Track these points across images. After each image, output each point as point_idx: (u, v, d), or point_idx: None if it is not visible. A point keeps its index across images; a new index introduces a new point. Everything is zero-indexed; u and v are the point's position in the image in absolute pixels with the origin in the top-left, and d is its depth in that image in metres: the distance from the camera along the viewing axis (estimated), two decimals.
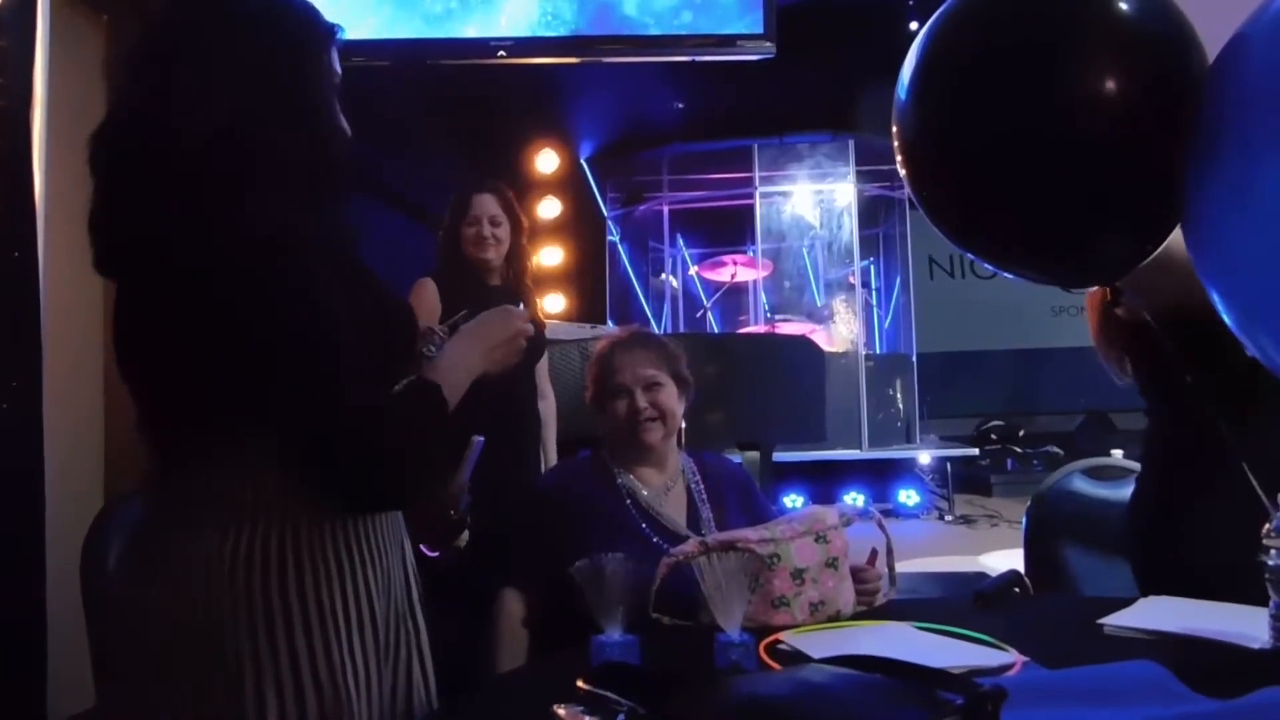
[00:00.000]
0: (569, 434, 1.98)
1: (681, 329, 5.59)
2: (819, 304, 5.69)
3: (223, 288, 0.63)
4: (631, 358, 1.28)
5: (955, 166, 0.81)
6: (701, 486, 1.28)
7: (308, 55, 0.69)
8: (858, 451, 4.72)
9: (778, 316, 5.13)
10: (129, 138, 0.66)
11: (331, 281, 0.66)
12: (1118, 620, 0.91)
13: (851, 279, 5.41)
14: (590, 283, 5.29)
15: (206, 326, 0.64)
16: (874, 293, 5.83)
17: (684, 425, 1.31)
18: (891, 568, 1.13)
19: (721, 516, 1.25)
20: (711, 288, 5.50)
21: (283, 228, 0.64)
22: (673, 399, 1.29)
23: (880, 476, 4.74)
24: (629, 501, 1.23)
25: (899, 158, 0.88)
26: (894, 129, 0.86)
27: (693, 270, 5.91)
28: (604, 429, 1.29)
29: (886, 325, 5.82)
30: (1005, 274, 0.88)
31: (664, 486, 1.27)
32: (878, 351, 5.64)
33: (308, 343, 0.64)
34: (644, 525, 1.21)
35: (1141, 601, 0.97)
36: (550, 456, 1.94)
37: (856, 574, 1.10)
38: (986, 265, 0.88)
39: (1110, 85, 0.71)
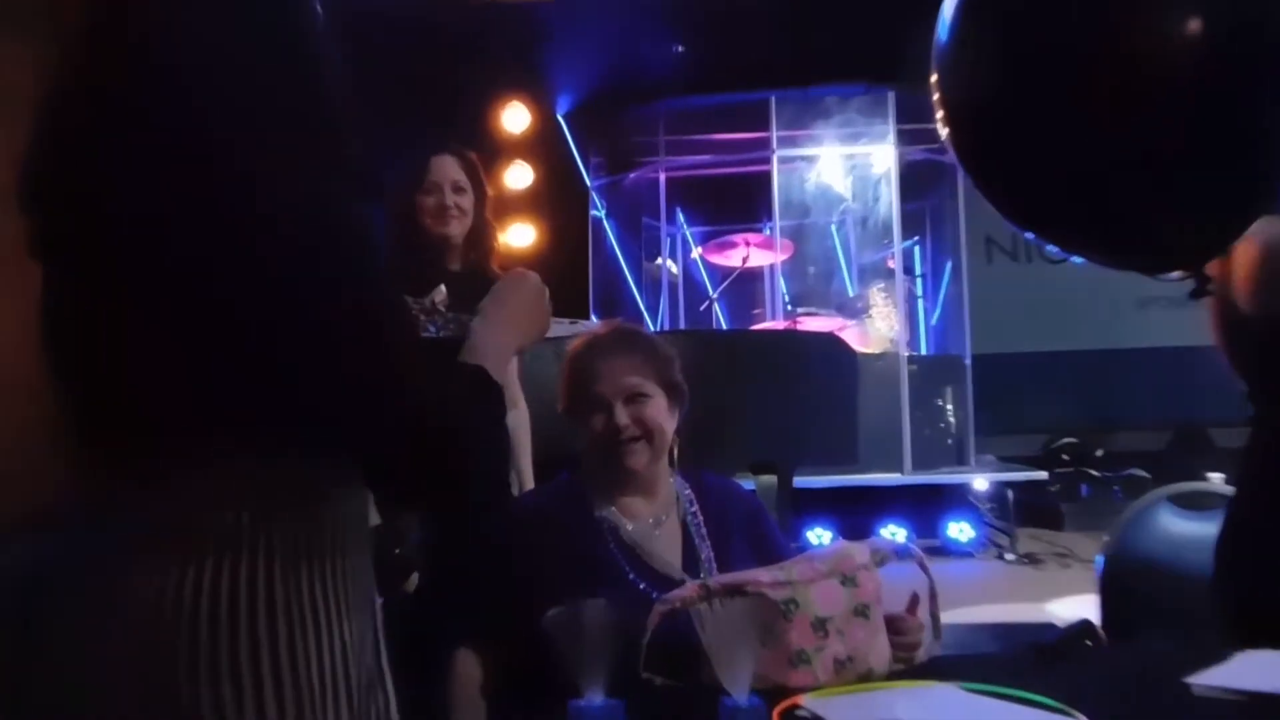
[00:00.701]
0: (547, 452, 2.01)
1: (682, 325, 5.61)
2: (851, 294, 5.72)
3: (240, 274, 0.61)
4: (612, 362, 1.28)
5: (1006, 125, 0.81)
6: (700, 519, 1.28)
7: None
8: (898, 476, 4.74)
9: (800, 310, 5.14)
10: (91, 88, 0.60)
11: (379, 266, 0.67)
12: (1209, 679, 0.92)
13: (891, 263, 5.42)
14: (569, 268, 5.28)
15: (210, 320, 0.61)
16: (919, 280, 5.87)
17: (677, 443, 1.32)
18: (936, 616, 1.14)
19: (725, 554, 1.26)
20: (719, 274, 5.52)
21: (309, 193, 0.63)
22: (662, 413, 1.29)
23: (925, 506, 4.77)
24: (610, 540, 1.24)
25: (939, 114, 0.89)
26: (933, 79, 0.87)
27: (696, 253, 5.95)
28: (579, 447, 1.31)
29: (934, 321, 5.87)
30: (1076, 258, 0.90)
31: (653, 519, 1.28)
32: (923, 353, 5.68)
33: (361, 338, 0.65)
34: (628, 569, 1.22)
35: (1238, 656, 0.98)
36: (525, 479, 1.97)
37: (892, 624, 1.11)
38: (1052, 248, 0.89)
39: (1190, 26, 0.71)
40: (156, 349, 0.62)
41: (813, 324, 4.99)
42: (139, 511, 0.64)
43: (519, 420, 1.99)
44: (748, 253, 5.12)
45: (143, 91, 0.59)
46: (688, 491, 1.31)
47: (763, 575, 1.04)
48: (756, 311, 5.61)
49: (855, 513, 4.54)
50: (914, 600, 1.14)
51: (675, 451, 1.32)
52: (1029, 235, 0.92)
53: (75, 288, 0.63)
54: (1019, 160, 0.85)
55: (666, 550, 1.25)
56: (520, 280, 0.94)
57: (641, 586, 1.19)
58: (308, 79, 0.65)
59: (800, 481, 3.72)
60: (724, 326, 5.34)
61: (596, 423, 1.27)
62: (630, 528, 1.26)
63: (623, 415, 1.26)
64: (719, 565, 1.23)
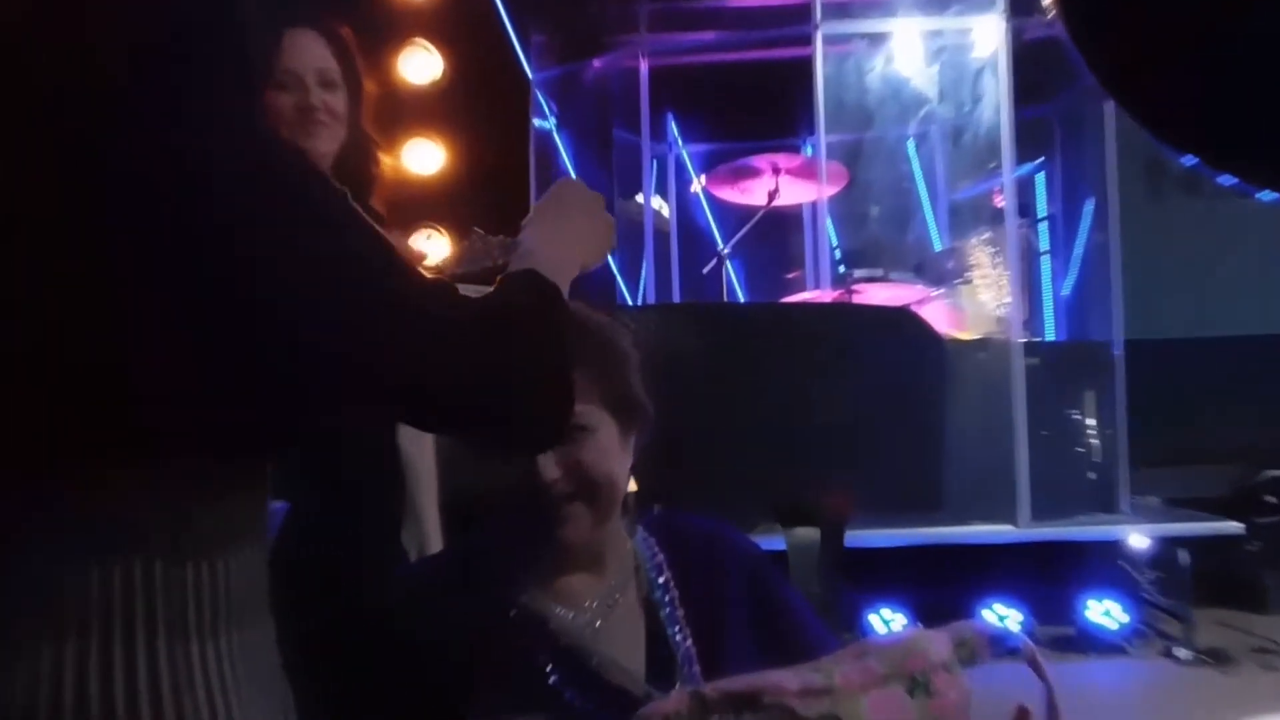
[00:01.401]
0: (459, 492, 2.06)
1: (675, 295, 5.63)
2: (937, 248, 5.74)
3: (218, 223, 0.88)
4: None
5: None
6: (674, 594, 1.34)
7: None
8: (1009, 530, 4.75)
9: (859, 273, 5.18)
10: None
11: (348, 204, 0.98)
12: None
13: (999, 200, 5.46)
14: (499, 207, 5.29)
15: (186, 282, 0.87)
16: (1043, 226, 5.91)
17: (634, 487, 1.40)
18: None
19: (717, 647, 1.31)
20: (733, 217, 5.58)
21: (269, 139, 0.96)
22: (609, 453, 1.32)
23: (1051, 573, 4.77)
24: (536, 640, 1.28)
25: None
26: None
27: (697, 184, 5.96)
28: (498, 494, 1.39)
29: (1066, 291, 5.91)
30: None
31: (600, 603, 1.34)
32: (1049, 338, 5.74)
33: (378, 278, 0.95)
34: (564, 684, 1.26)
35: None
36: (428, 537, 2.05)
37: None
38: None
39: None
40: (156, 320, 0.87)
41: (877, 294, 5.02)
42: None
43: (418, 451, 2.04)
44: (776, 184, 5.18)
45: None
46: (656, 554, 1.37)
47: (787, 679, 1.06)
48: (791, 275, 5.63)
49: (942, 586, 4.53)
50: (1022, 717, 1.15)
51: (631, 497, 1.39)
52: (1193, 160, 0.94)
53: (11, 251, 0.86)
54: (1165, 44, 0.85)
55: (622, 650, 1.29)
56: (576, 185, 1.22)
57: (587, 709, 1.24)
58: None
59: (856, 539, 3.72)
60: (740, 298, 5.42)
61: (511, 474, 1.31)
62: (567, 619, 1.30)
63: (550, 465, 1.30)
64: (707, 665, 1.27)
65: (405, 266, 0.99)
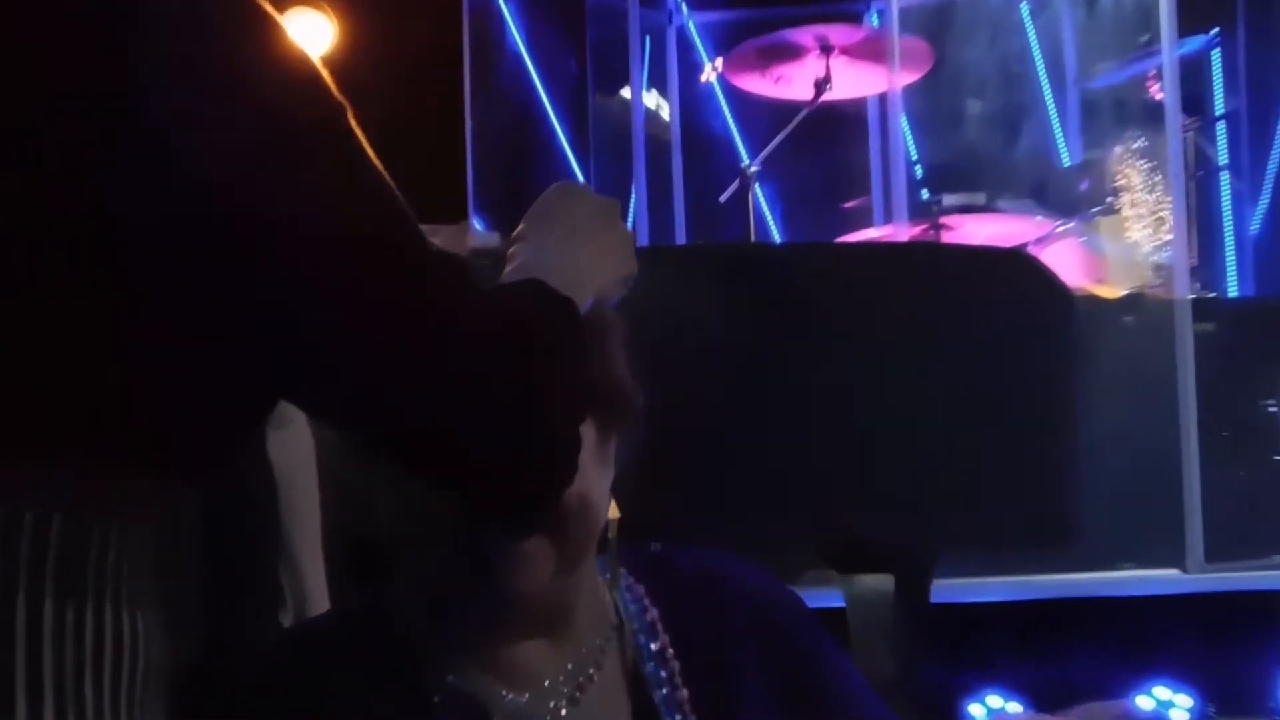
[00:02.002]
0: (356, 524, 2.09)
1: (679, 233, 5.75)
2: (1065, 163, 5.72)
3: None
4: None
5: None
6: (673, 664, 1.38)
7: None
8: (1174, 574, 4.74)
9: (948, 200, 5.27)
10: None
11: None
12: None
13: (1155, 90, 5.46)
14: (422, 112, 5.31)
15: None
16: (1217, 128, 5.89)
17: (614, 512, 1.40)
18: None
19: None
20: (764, 118, 5.71)
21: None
22: (581, 466, 1.30)
23: (1234, 638, 4.76)
24: None
25: None
26: None
27: (710, 70, 5.96)
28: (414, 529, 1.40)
29: (1254, 225, 6.00)
30: None
31: (568, 681, 1.37)
32: (1229, 294, 5.78)
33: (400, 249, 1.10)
34: None
35: None
36: (306, 591, 2.13)
37: None
38: None
39: None
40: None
41: (978, 231, 5.02)
42: None
43: (290, 452, 2.09)
44: (827, 70, 5.26)
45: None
46: (647, 610, 1.41)
47: None
48: (849, 205, 5.62)
49: (1076, 658, 4.54)
50: None
51: (612, 528, 1.40)
52: None
53: None
54: None
55: None
56: (580, 189, 1.37)
57: None
58: None
59: (948, 591, 3.71)
60: (774, 237, 5.44)
61: (433, 499, 1.31)
62: (519, 705, 1.33)
63: None
64: None
65: (420, 238, 1.10)
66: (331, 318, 1.07)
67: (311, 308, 1.06)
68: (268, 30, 1.08)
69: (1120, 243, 5.28)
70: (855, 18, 5.74)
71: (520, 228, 1.32)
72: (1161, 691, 4.64)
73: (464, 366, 1.10)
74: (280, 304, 1.05)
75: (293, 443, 2.08)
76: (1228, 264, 5.87)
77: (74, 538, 1.03)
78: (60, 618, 1.03)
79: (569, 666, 1.36)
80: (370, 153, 1.11)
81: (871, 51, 5.25)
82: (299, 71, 1.09)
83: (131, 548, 1.07)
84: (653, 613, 1.39)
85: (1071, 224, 5.21)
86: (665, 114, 6.04)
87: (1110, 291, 5.09)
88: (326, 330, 1.07)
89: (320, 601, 2.12)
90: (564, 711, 1.34)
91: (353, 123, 1.11)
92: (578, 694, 1.35)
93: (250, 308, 1.05)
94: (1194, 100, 5.67)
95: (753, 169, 5.21)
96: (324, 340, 1.07)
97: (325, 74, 1.11)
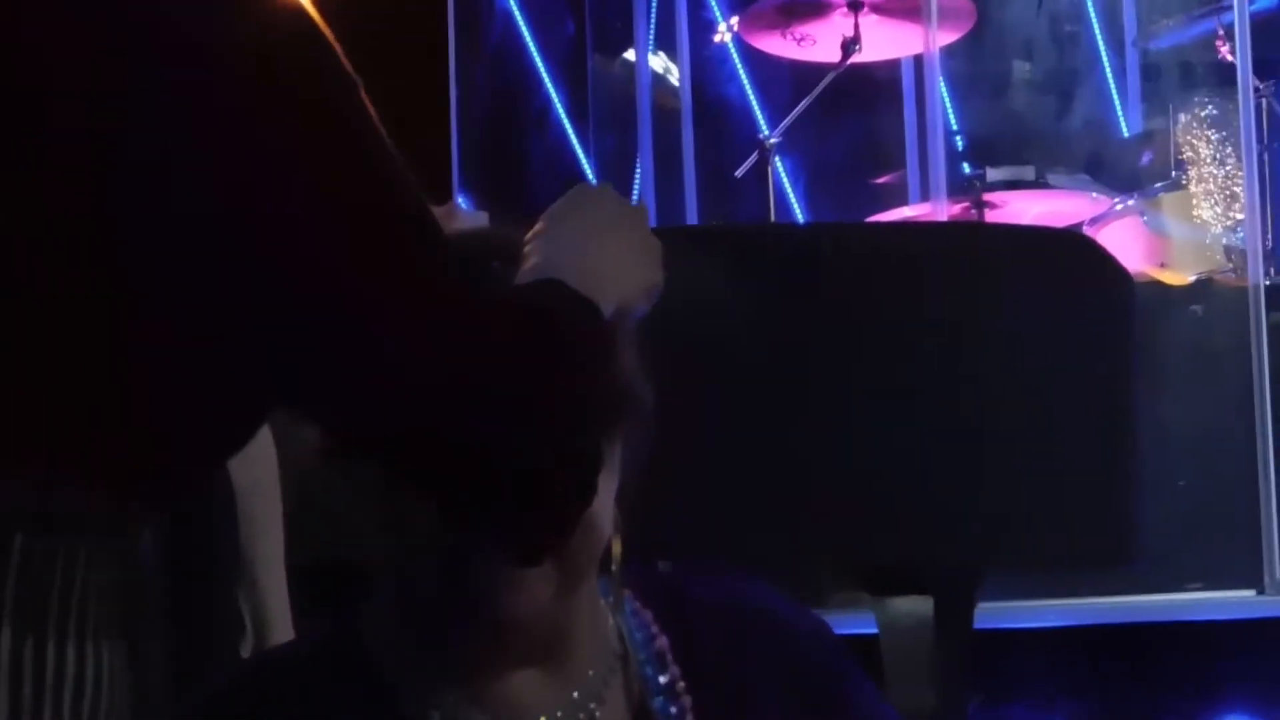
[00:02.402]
0: (323, 541, 2.13)
1: (690, 213, 5.81)
2: (1122, 132, 5.70)
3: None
4: None
5: None
6: (684, 700, 1.39)
7: None
8: (1250, 597, 4.77)
9: (993, 175, 5.24)
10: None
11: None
12: None
13: (1224, 50, 5.44)
14: (397, 77, 5.29)
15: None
16: None
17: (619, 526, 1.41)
18: None
19: None
20: (784, 84, 5.65)
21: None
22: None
23: None
24: None
25: None
26: None
27: (724, 29, 5.94)
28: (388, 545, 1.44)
29: None
30: None
31: (567, 716, 1.38)
32: None
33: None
34: None
35: None
36: (267, 613, 2.20)
37: None
38: None
39: None
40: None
41: (1026, 209, 5.02)
42: None
43: (249, 460, 2.12)
44: (856, 29, 5.38)
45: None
46: (655, 637, 1.41)
47: None
48: (882, 180, 5.63)
49: (1139, 690, 4.52)
50: None
51: (617, 545, 1.40)
52: None
53: None
54: None
55: None
56: (605, 191, 1.42)
57: None
58: None
59: (994, 615, 3.70)
60: (797, 217, 5.42)
61: (413, 512, 1.32)
62: None
63: None
64: None
65: (434, 232, 1.16)
66: (342, 317, 1.10)
67: (322, 306, 1.09)
68: (274, 12, 1.12)
69: (1186, 222, 5.27)
70: None
71: (538, 226, 1.35)
72: None
73: (481, 371, 1.13)
74: (290, 303, 1.08)
75: (252, 451, 1.95)
76: None
77: (37, 560, 1.06)
78: (18, 651, 1.05)
79: (569, 699, 1.37)
80: (384, 139, 1.13)
81: (906, 8, 5.26)
82: (308, 54, 1.13)
83: (96, 573, 1.09)
84: (662, 641, 1.41)
85: (1131, 201, 5.20)
86: (674, 79, 6.04)
87: (1176, 277, 5.07)
88: (337, 330, 1.10)
89: (282, 627, 2.18)
90: None
91: (364, 103, 1.14)
92: None
93: (256, 307, 1.08)
94: (1268, 62, 5.60)
95: (772, 140, 5.23)
96: (335, 341, 1.10)
97: (338, 54, 1.15)
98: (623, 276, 1.32)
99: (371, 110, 1.14)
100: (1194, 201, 5.30)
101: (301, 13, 1.14)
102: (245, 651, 2.08)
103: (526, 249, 1.32)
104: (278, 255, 1.08)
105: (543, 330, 1.16)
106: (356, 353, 1.11)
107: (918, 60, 5.46)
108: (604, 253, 1.32)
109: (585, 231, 1.35)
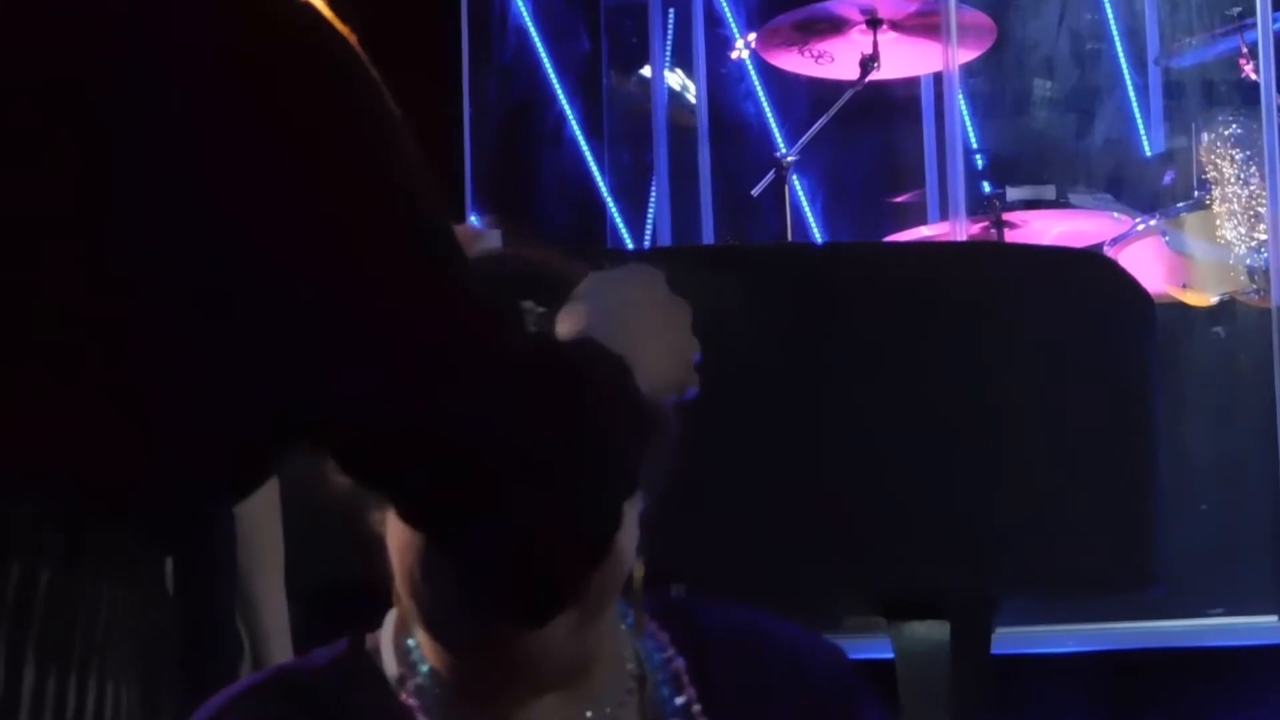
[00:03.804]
0: (327, 564, 2.10)
1: (706, 233, 5.80)
2: (1147, 153, 5.67)
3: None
4: None
5: None
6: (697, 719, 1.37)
7: None
8: (1272, 620, 4.72)
9: (1013, 194, 5.30)
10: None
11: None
12: None
13: (1248, 68, 5.43)
14: (409, 92, 5.28)
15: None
16: None
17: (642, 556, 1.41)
18: None
19: None
20: (804, 99, 5.81)
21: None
22: None
23: None
24: None
25: None
26: None
27: (741, 47, 5.95)
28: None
29: None
30: None
31: None
32: None
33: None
34: None
35: None
36: (267, 637, 2.20)
37: None
38: None
39: None
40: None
41: (1047, 229, 5.00)
42: None
43: (251, 515, 2.11)
44: (875, 47, 5.38)
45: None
46: (672, 660, 1.40)
47: None
48: (900, 199, 5.61)
49: (1158, 712, 4.54)
50: None
51: (639, 569, 1.40)
52: None
53: None
54: None
55: None
56: (653, 275, 1.38)
57: None
58: None
59: (1011, 641, 3.69)
60: (815, 236, 5.46)
61: (424, 536, 1.32)
62: None
63: None
64: None
65: (459, 251, 1.15)
66: (367, 348, 1.10)
67: (330, 329, 1.09)
68: (284, 14, 1.11)
69: (1210, 243, 5.24)
70: None
71: (580, 286, 1.34)
72: None
73: (495, 413, 1.11)
74: (300, 325, 1.09)
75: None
76: None
77: (63, 597, 1.07)
78: (40, 687, 1.06)
79: (586, 711, 1.37)
80: (405, 152, 1.13)
81: (925, 25, 5.25)
82: (325, 63, 1.12)
83: (118, 610, 1.10)
84: (678, 663, 1.40)
85: (1153, 221, 5.18)
86: (690, 96, 6.03)
87: (1199, 299, 5.05)
88: (343, 352, 1.09)
89: (281, 648, 2.19)
90: None
91: (390, 109, 1.13)
92: None
93: (269, 328, 1.08)
94: None
95: (789, 159, 5.20)
96: (342, 363, 1.10)
97: (361, 61, 1.13)
98: (655, 367, 1.29)
99: (396, 115, 1.14)
100: (1217, 222, 5.28)
101: (320, 18, 1.14)
102: (244, 674, 2.07)
103: (561, 312, 1.31)
104: (288, 274, 1.08)
105: (568, 383, 1.15)
106: (367, 379, 1.10)
107: (937, 78, 5.48)
108: (641, 339, 1.29)
109: (619, 309, 1.33)
